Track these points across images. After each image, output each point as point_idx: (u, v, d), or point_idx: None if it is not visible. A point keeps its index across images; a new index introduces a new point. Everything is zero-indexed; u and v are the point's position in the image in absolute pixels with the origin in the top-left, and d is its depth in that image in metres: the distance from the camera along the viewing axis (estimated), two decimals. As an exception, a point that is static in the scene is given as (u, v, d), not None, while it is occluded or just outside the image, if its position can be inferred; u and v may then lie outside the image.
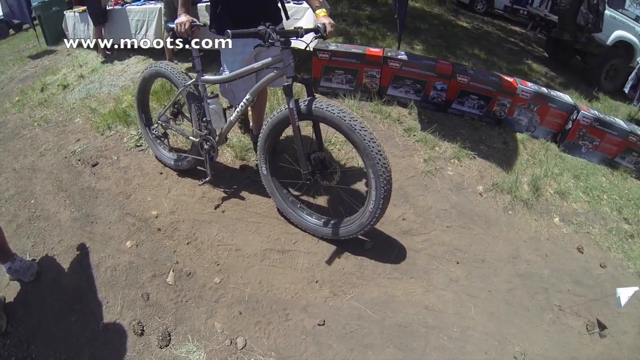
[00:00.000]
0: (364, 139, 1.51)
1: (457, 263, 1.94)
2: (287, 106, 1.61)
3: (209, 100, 1.84)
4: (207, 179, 2.06)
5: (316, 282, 1.77)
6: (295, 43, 1.69)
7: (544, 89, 2.92)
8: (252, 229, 2.01)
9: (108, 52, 4.15)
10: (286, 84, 1.57)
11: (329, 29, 1.68)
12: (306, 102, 1.59)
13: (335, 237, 1.86)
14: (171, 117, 2.12)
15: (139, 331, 1.63)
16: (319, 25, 1.68)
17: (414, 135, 2.75)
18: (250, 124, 2.56)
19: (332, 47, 2.99)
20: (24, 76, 4.38)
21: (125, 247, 1.96)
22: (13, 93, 3.88)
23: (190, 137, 2.04)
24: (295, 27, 1.58)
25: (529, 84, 2.92)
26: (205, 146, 1.98)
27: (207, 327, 1.63)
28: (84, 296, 1.78)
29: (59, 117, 3.07)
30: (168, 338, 1.61)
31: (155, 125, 2.20)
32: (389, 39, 4.45)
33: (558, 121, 2.93)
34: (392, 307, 1.69)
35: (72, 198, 2.24)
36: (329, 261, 1.85)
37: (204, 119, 1.92)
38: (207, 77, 1.86)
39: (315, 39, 1.71)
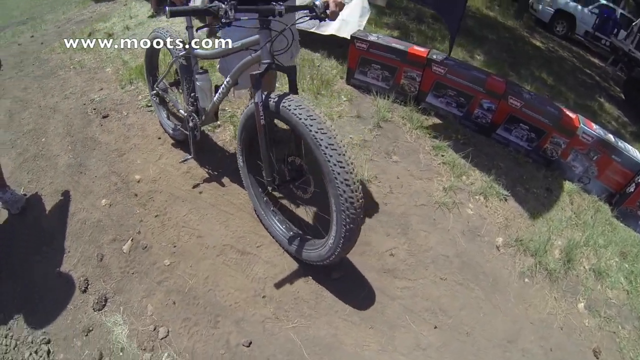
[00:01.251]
0: (329, 161, 1.28)
1: (435, 327, 1.65)
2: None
3: (197, 76, 1.77)
4: (188, 157, 2.06)
5: (263, 297, 1.68)
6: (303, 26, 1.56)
7: (611, 137, 2.41)
8: (221, 218, 1.98)
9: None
10: (255, 72, 1.40)
11: (331, 7, 1.40)
12: (276, 98, 1.40)
13: (297, 256, 1.73)
14: (169, 86, 2.12)
15: (83, 288, 1.73)
16: (315, 2, 1.42)
17: (442, 156, 2.46)
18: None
19: (372, 37, 2.75)
20: (80, 19, 4.77)
21: (100, 204, 2.05)
22: (66, 33, 4.25)
23: (180, 111, 2.04)
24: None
25: (595, 126, 2.41)
26: (190, 124, 1.96)
27: (140, 305, 1.66)
28: (52, 241, 1.92)
29: (94, 63, 3.30)
30: (103, 303, 1.68)
31: (154, 91, 2.23)
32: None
33: (619, 179, 2.41)
34: (332, 355, 1.52)
35: (74, 145, 2.40)
36: (287, 279, 1.73)
37: (192, 95, 1.88)
38: (198, 50, 1.80)
39: (310, 19, 1.43)
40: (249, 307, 1.64)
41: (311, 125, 1.30)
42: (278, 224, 1.83)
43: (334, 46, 3.38)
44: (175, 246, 1.87)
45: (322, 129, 1.31)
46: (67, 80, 3.07)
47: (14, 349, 1.59)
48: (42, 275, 1.79)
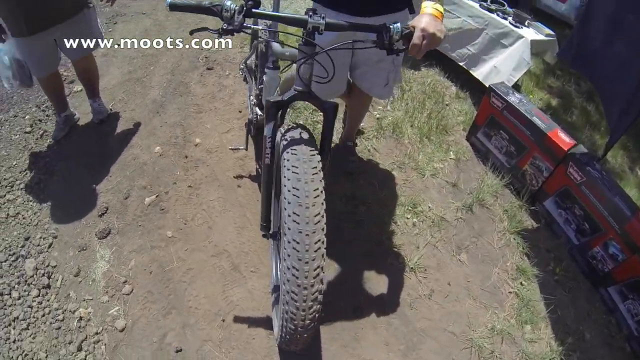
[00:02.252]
0: (285, 249, 1.05)
1: None
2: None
3: (266, 69, 1.67)
4: (240, 147, 2.11)
5: (222, 320, 1.67)
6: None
7: None
8: (239, 222, 2.01)
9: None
10: (274, 99, 1.21)
11: (415, 39, 1.05)
12: (288, 140, 1.16)
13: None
14: (253, 67, 2.15)
15: (101, 213, 2.03)
16: (391, 24, 1.07)
17: (521, 284, 1.98)
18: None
19: (513, 98, 2.35)
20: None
21: (153, 149, 2.31)
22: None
23: (250, 97, 2.07)
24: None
25: None
26: (250, 115, 1.99)
27: (127, 256, 1.86)
28: (104, 161, 2.28)
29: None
30: (105, 235, 1.94)
31: (242, 66, 2.31)
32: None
33: None
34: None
35: (169, 84, 2.72)
36: (253, 320, 1.67)
37: (260, 86, 1.87)
38: (275, 43, 1.63)
39: (390, 53, 1.10)
40: (203, 320, 1.66)
41: (289, 202, 1.06)
42: (274, 263, 1.74)
43: (480, 89, 3.02)
44: (185, 223, 1.99)
45: (300, 205, 1.05)
46: (204, 20, 3.43)
47: (34, 226, 1.97)
48: (82, 185, 2.14)
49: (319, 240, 1.05)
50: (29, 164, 2.22)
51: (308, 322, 1.08)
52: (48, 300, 1.71)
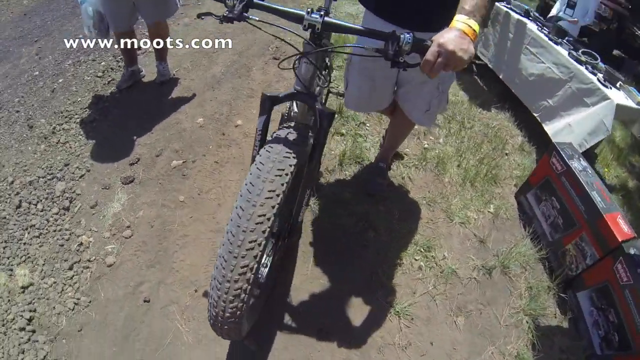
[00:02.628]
0: (223, 244, 1.06)
1: None
2: None
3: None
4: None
5: (195, 290, 1.76)
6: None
7: None
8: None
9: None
10: (270, 93, 1.25)
11: (429, 55, 0.93)
12: (274, 136, 1.22)
13: None
14: None
15: (132, 162, 2.31)
16: (401, 33, 0.98)
17: None
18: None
19: (577, 165, 2.12)
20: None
21: (197, 119, 2.53)
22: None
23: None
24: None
25: None
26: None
27: (139, 205, 2.07)
28: (152, 118, 2.56)
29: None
30: (129, 182, 2.18)
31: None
32: None
33: None
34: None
35: (233, 64, 3.01)
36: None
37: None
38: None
39: (394, 65, 1.01)
40: (178, 284, 1.78)
41: (241, 195, 1.08)
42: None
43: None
44: (199, 194, 2.14)
45: (248, 201, 1.06)
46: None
47: (75, 156, 2.28)
48: (126, 134, 2.43)
49: (255, 241, 1.04)
50: (90, 103, 2.57)
51: (228, 315, 1.08)
52: (63, 220, 1.97)
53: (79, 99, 2.58)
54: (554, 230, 2.23)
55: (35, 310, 1.64)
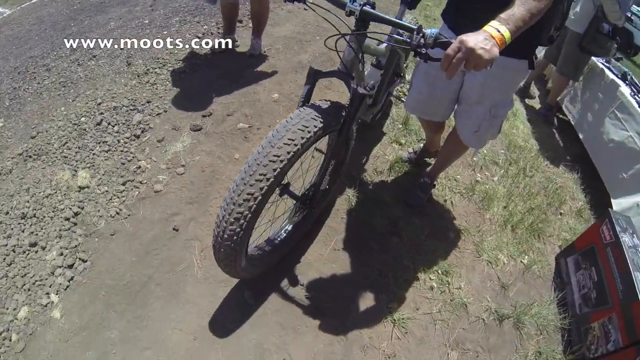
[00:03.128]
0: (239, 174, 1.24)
1: None
2: None
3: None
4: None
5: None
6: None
7: None
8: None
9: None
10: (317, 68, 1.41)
11: (448, 51, 0.97)
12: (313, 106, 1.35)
13: None
14: None
15: (205, 115, 2.55)
16: (426, 30, 1.04)
17: None
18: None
19: (629, 240, 2.00)
20: None
21: (272, 94, 2.77)
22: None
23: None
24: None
25: None
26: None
27: (198, 147, 2.29)
28: (233, 83, 2.81)
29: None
30: (196, 130, 2.44)
31: None
32: None
33: None
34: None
35: (321, 55, 3.24)
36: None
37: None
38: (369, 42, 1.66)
39: (416, 55, 1.06)
40: (206, 225, 1.96)
41: (264, 140, 1.25)
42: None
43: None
44: (208, 171, 2.25)
45: (270, 142, 1.23)
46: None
47: (158, 97, 2.59)
48: (208, 90, 2.69)
49: (264, 175, 1.17)
50: (185, 57, 2.92)
51: (226, 237, 1.21)
52: (130, 145, 2.27)
53: (176, 52, 2.94)
54: (584, 303, 2.10)
55: (83, 208, 1.93)
